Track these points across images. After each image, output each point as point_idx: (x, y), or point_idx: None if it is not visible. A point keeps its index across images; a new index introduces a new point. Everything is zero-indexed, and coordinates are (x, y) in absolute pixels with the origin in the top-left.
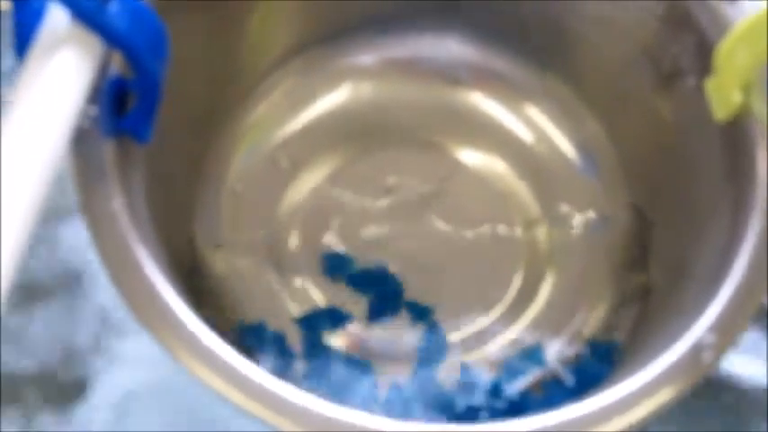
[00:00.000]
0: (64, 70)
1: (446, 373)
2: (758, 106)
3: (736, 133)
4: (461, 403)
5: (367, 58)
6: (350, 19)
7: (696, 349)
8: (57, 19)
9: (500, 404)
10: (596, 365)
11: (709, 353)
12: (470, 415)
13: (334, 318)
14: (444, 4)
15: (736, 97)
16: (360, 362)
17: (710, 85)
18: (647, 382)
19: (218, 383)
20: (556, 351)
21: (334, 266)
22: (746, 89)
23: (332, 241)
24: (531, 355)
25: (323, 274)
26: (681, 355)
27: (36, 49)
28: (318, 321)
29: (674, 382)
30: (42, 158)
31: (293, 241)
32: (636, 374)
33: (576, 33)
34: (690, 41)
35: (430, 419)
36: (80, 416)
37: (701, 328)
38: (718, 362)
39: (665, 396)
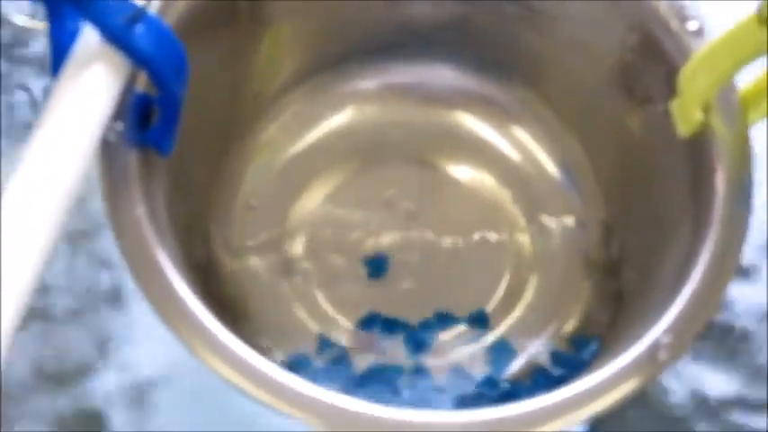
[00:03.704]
0: (94, 84)
1: (438, 368)
2: (716, 124)
3: (698, 153)
4: (457, 394)
5: (368, 83)
6: (352, 48)
7: (653, 348)
8: (88, 39)
9: (494, 393)
10: (577, 357)
11: (665, 352)
12: (466, 405)
13: (392, 325)
14: (437, 36)
15: (698, 116)
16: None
17: (674, 105)
18: (608, 376)
19: (230, 374)
20: (541, 345)
21: (377, 268)
22: (706, 109)
23: (335, 249)
24: (500, 347)
25: (367, 277)
26: (639, 353)
27: (69, 65)
28: (376, 326)
29: (633, 376)
30: (71, 163)
31: (300, 249)
32: (600, 369)
33: (557, 62)
34: (659, 71)
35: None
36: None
37: (658, 329)
38: (674, 360)
39: (625, 389)
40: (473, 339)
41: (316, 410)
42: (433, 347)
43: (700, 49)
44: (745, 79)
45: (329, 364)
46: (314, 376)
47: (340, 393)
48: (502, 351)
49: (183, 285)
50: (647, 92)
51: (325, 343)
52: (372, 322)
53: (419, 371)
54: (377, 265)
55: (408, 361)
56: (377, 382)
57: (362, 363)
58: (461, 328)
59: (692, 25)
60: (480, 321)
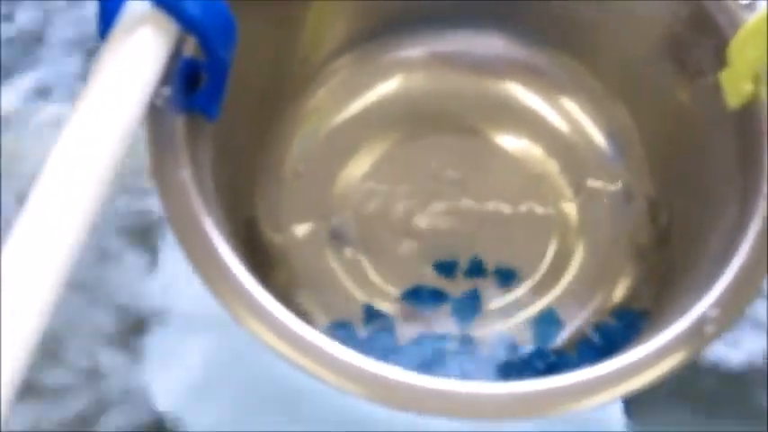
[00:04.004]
0: (142, 48)
1: (485, 339)
2: (766, 95)
3: (747, 126)
4: (502, 364)
5: (416, 51)
6: (401, 16)
7: (700, 322)
8: (136, 3)
9: (541, 364)
10: (623, 330)
11: (712, 326)
12: (513, 374)
13: (437, 297)
14: (486, 5)
15: (748, 87)
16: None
17: (724, 76)
18: (655, 350)
19: (273, 341)
20: (586, 316)
21: (447, 269)
22: (756, 80)
23: (381, 218)
24: (548, 318)
25: (435, 272)
26: (686, 326)
27: (117, 28)
28: (422, 298)
29: (680, 350)
30: (118, 127)
31: (346, 217)
32: (647, 342)
33: (607, 33)
34: (711, 44)
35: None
36: None
37: (706, 303)
38: (721, 334)
39: (671, 362)
40: (520, 309)
41: (357, 378)
42: (480, 317)
43: (750, 19)
44: None
45: (374, 333)
46: (357, 344)
47: (383, 362)
48: (548, 322)
49: (228, 251)
50: (698, 64)
51: (371, 313)
52: (418, 293)
53: (465, 341)
54: (447, 268)
55: (454, 331)
56: (422, 352)
57: (408, 333)
58: (509, 297)
59: None
60: (507, 277)
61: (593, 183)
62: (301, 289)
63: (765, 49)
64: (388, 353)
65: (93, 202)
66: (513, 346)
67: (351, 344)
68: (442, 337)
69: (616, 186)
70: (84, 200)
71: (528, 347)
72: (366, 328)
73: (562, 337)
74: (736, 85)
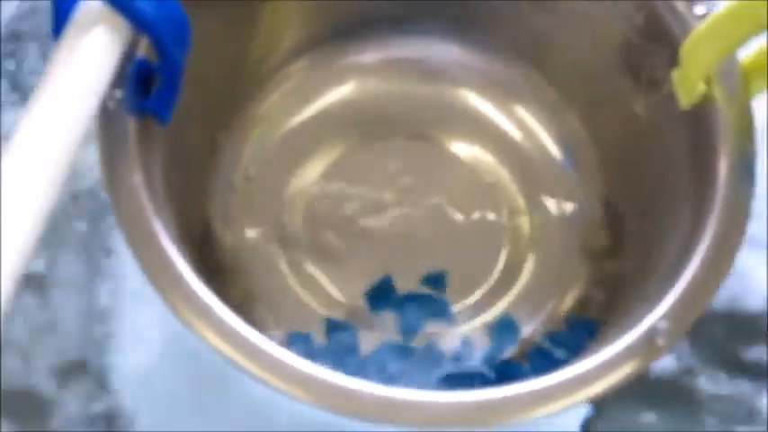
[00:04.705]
0: (94, 47)
1: (448, 343)
2: (718, 95)
3: (702, 137)
4: (454, 370)
5: (371, 56)
6: (356, 20)
7: (651, 334)
8: (90, 2)
9: (491, 373)
10: (575, 338)
11: (663, 338)
12: (463, 383)
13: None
14: (442, 12)
15: (700, 88)
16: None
17: (676, 76)
18: (605, 361)
19: (223, 347)
20: (538, 325)
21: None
22: (709, 81)
23: (332, 223)
24: (504, 324)
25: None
26: (637, 338)
27: (70, 28)
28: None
29: (630, 361)
30: (70, 128)
31: (298, 221)
32: (597, 353)
33: (562, 42)
34: (665, 54)
35: (421, 386)
36: None
37: (656, 315)
38: (671, 347)
39: (621, 374)
40: (475, 316)
41: (305, 385)
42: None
43: (702, 22)
44: (746, 50)
45: (333, 341)
46: (314, 352)
47: (341, 370)
48: (505, 328)
49: (179, 256)
50: (652, 74)
51: (328, 323)
52: (377, 300)
53: (426, 349)
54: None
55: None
56: (378, 360)
57: (368, 341)
58: (464, 304)
59: (699, 9)
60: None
61: (545, 191)
62: (256, 295)
63: (718, 51)
64: (346, 361)
65: (44, 204)
66: (471, 352)
67: (305, 351)
68: (400, 346)
69: (568, 195)
70: (34, 201)
71: (479, 356)
72: (324, 338)
73: (515, 345)
74: (688, 86)
